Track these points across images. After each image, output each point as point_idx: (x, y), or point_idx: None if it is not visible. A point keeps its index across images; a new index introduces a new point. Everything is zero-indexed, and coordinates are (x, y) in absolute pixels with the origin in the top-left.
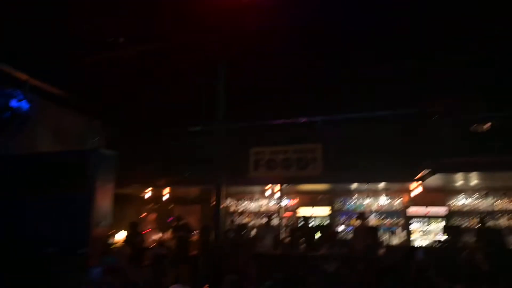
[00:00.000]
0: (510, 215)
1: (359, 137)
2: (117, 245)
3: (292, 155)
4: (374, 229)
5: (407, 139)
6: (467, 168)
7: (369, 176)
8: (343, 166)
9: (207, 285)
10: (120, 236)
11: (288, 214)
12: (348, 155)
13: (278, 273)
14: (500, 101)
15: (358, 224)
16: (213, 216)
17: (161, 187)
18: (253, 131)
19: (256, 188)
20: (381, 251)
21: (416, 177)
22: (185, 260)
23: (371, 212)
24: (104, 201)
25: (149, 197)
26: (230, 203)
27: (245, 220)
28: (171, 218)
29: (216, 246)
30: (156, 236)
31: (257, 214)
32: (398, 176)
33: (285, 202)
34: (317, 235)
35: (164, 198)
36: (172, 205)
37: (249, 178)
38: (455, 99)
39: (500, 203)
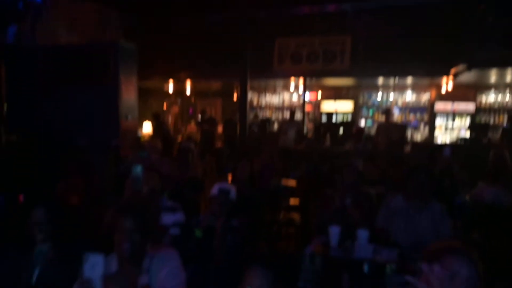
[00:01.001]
0: None
1: (391, 28)
2: (147, 138)
3: (318, 48)
4: (400, 126)
5: (442, 32)
6: (506, 64)
7: (399, 70)
8: (372, 59)
9: (230, 174)
10: (146, 128)
11: (309, 108)
12: (378, 47)
13: (304, 167)
14: None
15: (383, 120)
16: (238, 109)
17: (182, 81)
18: (277, 21)
19: (279, 82)
20: (407, 147)
21: (449, 73)
22: (211, 153)
23: (396, 107)
24: (129, 94)
25: (171, 91)
26: (252, 97)
27: (267, 115)
28: (191, 110)
29: (241, 139)
30: (181, 128)
31: (280, 108)
32: (431, 70)
33: (308, 96)
34: (341, 130)
35: (186, 92)
36: (193, 98)
37: (273, 72)
38: None
39: None
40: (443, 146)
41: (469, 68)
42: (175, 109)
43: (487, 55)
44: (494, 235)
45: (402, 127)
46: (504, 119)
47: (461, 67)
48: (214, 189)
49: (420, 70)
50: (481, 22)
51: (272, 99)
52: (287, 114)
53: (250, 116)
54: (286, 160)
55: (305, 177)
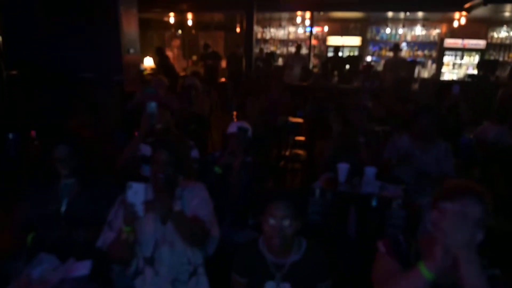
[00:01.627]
0: None
1: None
2: (149, 72)
3: None
4: (408, 62)
5: None
6: None
7: (412, 4)
8: None
9: (235, 112)
10: (147, 62)
11: (315, 42)
12: None
13: (312, 104)
14: None
15: (391, 56)
16: (242, 43)
17: (184, 12)
18: None
19: (285, 15)
20: (415, 84)
21: (463, 8)
22: (215, 88)
23: (404, 43)
24: (130, 27)
25: (172, 23)
26: (256, 30)
27: (272, 49)
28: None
29: (247, 74)
30: (184, 63)
31: (285, 42)
32: (444, 5)
33: (314, 30)
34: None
35: (187, 24)
36: (194, 31)
37: (280, 4)
38: None
39: None
40: (451, 83)
41: (485, 2)
42: (176, 42)
43: None
44: (495, 173)
45: (411, 64)
46: None
47: (477, 1)
48: (233, 127)
49: (433, 4)
50: None
51: (277, 32)
52: (292, 49)
53: (255, 50)
54: (291, 97)
55: (311, 114)
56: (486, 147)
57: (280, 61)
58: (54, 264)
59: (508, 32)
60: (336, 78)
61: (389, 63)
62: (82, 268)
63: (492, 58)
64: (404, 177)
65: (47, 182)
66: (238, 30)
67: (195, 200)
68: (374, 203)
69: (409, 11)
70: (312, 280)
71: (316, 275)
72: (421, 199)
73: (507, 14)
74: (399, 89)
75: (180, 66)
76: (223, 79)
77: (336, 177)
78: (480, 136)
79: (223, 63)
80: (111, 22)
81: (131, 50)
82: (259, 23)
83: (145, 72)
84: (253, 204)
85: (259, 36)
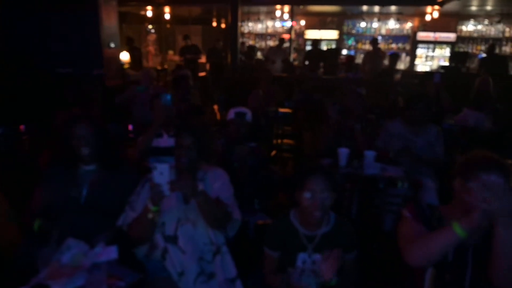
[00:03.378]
0: None
1: None
2: (126, 66)
3: None
4: (390, 55)
5: None
6: None
7: None
8: None
9: (216, 105)
10: (124, 56)
11: (287, 36)
12: None
13: (299, 94)
14: None
15: (369, 49)
16: (224, 37)
17: (161, 5)
18: None
19: (263, 9)
20: (397, 76)
21: (437, 1)
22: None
23: (379, 36)
24: (110, 20)
25: (150, 16)
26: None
27: (251, 43)
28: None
29: (233, 67)
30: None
31: (263, 36)
32: None
33: (292, 24)
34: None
35: (164, 18)
36: (171, 26)
37: None
38: None
39: (509, 31)
40: (433, 72)
41: None
42: (152, 37)
43: None
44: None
45: (391, 56)
46: (481, 49)
47: None
48: (230, 114)
49: None
50: None
51: (255, 26)
52: (270, 42)
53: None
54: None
55: (299, 104)
56: (466, 132)
57: (259, 55)
58: (84, 250)
59: (475, 25)
60: (321, 69)
61: (368, 55)
62: (111, 252)
63: (462, 50)
64: (399, 159)
65: (67, 168)
66: (215, 24)
67: (217, 184)
68: (381, 185)
69: (383, 5)
70: (344, 248)
71: (344, 246)
72: (419, 178)
73: (474, 8)
74: (381, 80)
75: (156, 60)
76: (203, 74)
77: (334, 163)
78: (460, 122)
79: (203, 58)
80: (91, 15)
81: (112, 44)
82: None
83: (125, 66)
84: (260, 189)
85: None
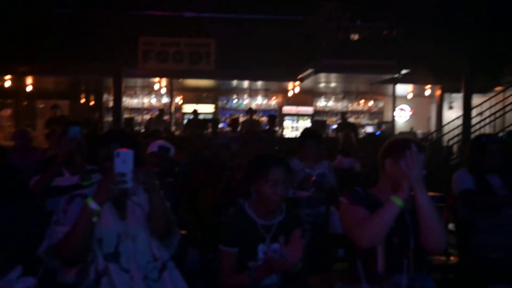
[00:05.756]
0: (358, 114)
1: (248, 36)
2: None
3: (185, 49)
4: (268, 116)
5: (291, 41)
6: (345, 70)
7: (258, 74)
8: (234, 63)
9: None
10: None
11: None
12: (239, 53)
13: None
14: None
15: (246, 118)
16: (113, 110)
17: (23, 75)
18: (140, 20)
19: (139, 82)
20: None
21: (299, 76)
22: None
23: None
24: None
25: (8, 87)
26: (107, 99)
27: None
28: None
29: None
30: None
31: (139, 110)
32: (284, 74)
33: (168, 99)
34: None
35: (25, 90)
36: (32, 101)
37: (135, 71)
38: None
39: (351, 105)
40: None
41: (315, 72)
42: (7, 112)
43: (331, 61)
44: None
45: (270, 117)
46: (333, 120)
47: (309, 71)
48: (153, 147)
49: (275, 75)
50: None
51: (131, 100)
52: (147, 116)
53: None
54: None
55: (191, 167)
56: (343, 173)
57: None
58: None
59: (326, 101)
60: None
61: (245, 123)
62: (28, 280)
63: (320, 120)
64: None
65: None
66: (83, 100)
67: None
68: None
69: (251, 80)
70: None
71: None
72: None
73: (322, 85)
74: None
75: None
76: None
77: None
78: (338, 166)
79: None
80: None
81: None
82: (110, 90)
83: None
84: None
85: (110, 104)
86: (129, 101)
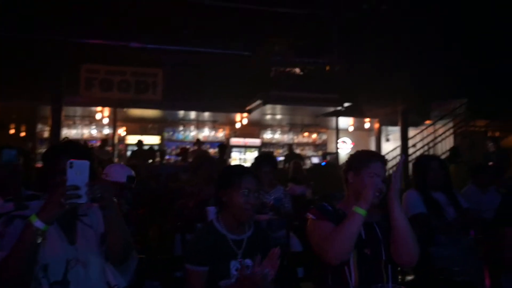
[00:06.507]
0: (303, 146)
1: (196, 67)
2: None
3: (131, 78)
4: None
5: (239, 74)
6: (291, 101)
7: (206, 105)
8: (181, 94)
9: None
10: None
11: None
12: (186, 83)
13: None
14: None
15: (196, 148)
16: (49, 141)
17: None
18: (85, 48)
19: (80, 112)
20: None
21: (247, 107)
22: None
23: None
24: None
25: None
26: (41, 129)
27: None
28: None
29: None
30: None
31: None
32: (231, 106)
33: (111, 129)
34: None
35: None
36: None
37: (76, 99)
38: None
39: (297, 137)
40: None
41: (264, 103)
42: None
43: (279, 93)
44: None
45: (220, 146)
46: (280, 151)
47: (258, 102)
48: (120, 176)
49: (224, 106)
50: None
51: (70, 131)
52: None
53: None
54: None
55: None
56: (296, 199)
57: None
58: None
59: (273, 134)
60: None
61: (195, 152)
62: None
63: (267, 151)
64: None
65: None
66: (12, 131)
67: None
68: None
69: (199, 110)
70: (265, 253)
71: (265, 247)
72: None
73: (268, 117)
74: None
75: None
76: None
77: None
78: (290, 193)
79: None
80: None
81: None
82: (44, 120)
83: None
84: None
85: (45, 135)
86: (67, 131)
